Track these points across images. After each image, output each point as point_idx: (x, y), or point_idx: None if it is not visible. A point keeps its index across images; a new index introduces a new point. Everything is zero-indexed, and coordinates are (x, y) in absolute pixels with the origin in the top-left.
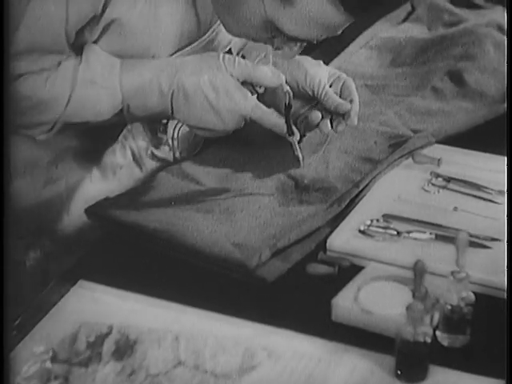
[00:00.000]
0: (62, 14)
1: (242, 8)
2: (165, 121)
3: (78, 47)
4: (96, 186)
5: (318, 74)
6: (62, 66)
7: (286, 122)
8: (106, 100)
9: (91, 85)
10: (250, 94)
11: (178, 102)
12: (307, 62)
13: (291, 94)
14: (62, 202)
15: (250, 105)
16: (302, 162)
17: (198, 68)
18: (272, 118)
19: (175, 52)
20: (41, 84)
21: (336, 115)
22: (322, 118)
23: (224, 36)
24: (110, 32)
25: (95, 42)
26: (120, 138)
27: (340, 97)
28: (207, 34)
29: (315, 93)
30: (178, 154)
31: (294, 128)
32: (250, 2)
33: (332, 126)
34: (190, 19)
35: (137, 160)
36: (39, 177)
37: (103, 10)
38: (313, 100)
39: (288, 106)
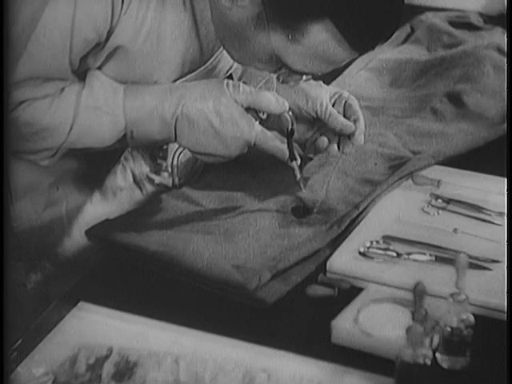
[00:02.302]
0: (66, 43)
1: (249, 42)
2: (165, 146)
3: (81, 73)
4: (97, 208)
5: (320, 96)
6: (65, 91)
7: (288, 147)
8: (108, 126)
9: (94, 111)
10: (254, 121)
11: (182, 128)
12: (308, 84)
13: (294, 119)
14: (62, 224)
15: (254, 131)
16: (303, 187)
17: (203, 94)
18: (275, 144)
19: (178, 79)
20: (44, 110)
21: (342, 136)
22: (329, 142)
23: (225, 62)
24: (113, 58)
25: (99, 67)
26: (121, 159)
27: (344, 116)
28: (210, 61)
29: (319, 115)
30: (177, 181)
31: (295, 153)
32: (257, 37)
33: (339, 149)
34: (193, 47)
35: (137, 182)
36: (40, 199)
37: (107, 38)
38: (317, 122)
39: (290, 132)
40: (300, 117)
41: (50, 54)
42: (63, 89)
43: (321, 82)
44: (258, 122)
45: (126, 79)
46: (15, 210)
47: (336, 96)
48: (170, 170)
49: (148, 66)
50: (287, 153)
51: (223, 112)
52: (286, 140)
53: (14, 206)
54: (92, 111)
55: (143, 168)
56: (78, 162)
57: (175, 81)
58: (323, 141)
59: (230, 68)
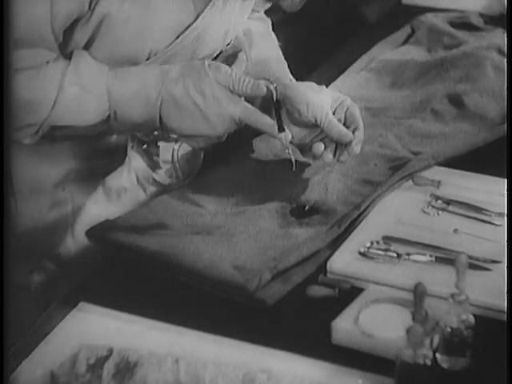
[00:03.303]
0: (46, 8)
1: None
2: (159, 143)
3: (68, 54)
4: (101, 208)
5: (321, 102)
6: (50, 66)
7: (276, 119)
8: (92, 105)
9: (78, 88)
10: (238, 97)
11: (168, 110)
12: (309, 88)
13: (279, 89)
14: (67, 225)
15: (238, 107)
16: (294, 163)
17: (185, 75)
18: (261, 118)
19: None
20: (28, 83)
21: (339, 144)
22: (325, 147)
23: (215, 29)
24: (100, 34)
25: (87, 47)
26: (126, 160)
27: (344, 123)
28: (196, 23)
29: (318, 121)
30: (180, 176)
31: (284, 126)
32: None
33: (334, 156)
34: (186, 8)
35: (141, 183)
36: (45, 200)
37: (92, 8)
38: (317, 127)
39: (276, 103)
40: (300, 122)
41: (31, 21)
42: (48, 62)
43: (323, 87)
44: (242, 98)
45: (116, 57)
46: (18, 211)
47: (338, 102)
48: (170, 166)
49: (139, 36)
50: (275, 125)
51: (205, 90)
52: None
53: (17, 207)
54: (76, 88)
55: (143, 167)
56: (84, 160)
57: (170, 45)
58: (319, 146)
59: (214, 52)
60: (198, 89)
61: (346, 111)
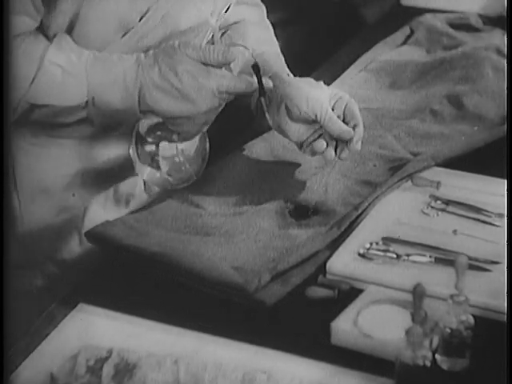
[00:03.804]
0: None
1: None
2: (161, 143)
3: (51, 36)
4: (109, 214)
5: (320, 98)
6: (32, 42)
7: (258, 83)
8: (71, 87)
9: (58, 68)
10: (212, 68)
11: (149, 94)
12: (308, 84)
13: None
14: (76, 230)
15: (212, 77)
16: (268, 118)
17: (159, 58)
18: (241, 84)
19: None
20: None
21: (340, 141)
22: (327, 145)
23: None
24: (81, 19)
25: (69, 33)
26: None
27: (343, 120)
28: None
29: (318, 118)
30: (193, 173)
31: (265, 89)
32: None
33: (336, 153)
34: None
35: (148, 189)
36: (51, 203)
37: None
38: (316, 123)
39: (255, 67)
40: (299, 118)
41: None
42: (30, 34)
43: (321, 83)
44: (218, 69)
45: (92, 40)
46: (22, 212)
47: (336, 98)
48: (175, 163)
49: (110, 18)
50: (255, 87)
51: (178, 69)
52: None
53: (21, 208)
54: (56, 68)
55: (148, 171)
56: (89, 164)
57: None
58: (321, 144)
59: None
60: (172, 68)
61: (345, 107)
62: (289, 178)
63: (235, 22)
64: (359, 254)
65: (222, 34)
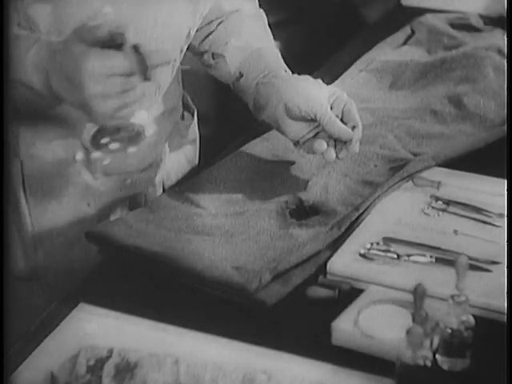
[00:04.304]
0: None
1: None
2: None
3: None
4: None
5: (320, 97)
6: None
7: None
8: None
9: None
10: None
11: (55, 79)
12: (307, 83)
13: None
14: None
15: (87, 54)
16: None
17: (61, 46)
18: (110, 57)
19: None
20: None
21: (338, 141)
22: (327, 145)
23: None
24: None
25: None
26: None
27: (341, 119)
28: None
29: (317, 118)
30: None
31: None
32: None
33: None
34: None
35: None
36: (63, 211)
37: None
38: (314, 121)
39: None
40: (300, 117)
41: None
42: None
43: (319, 80)
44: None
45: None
46: (32, 215)
47: (334, 96)
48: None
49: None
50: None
51: (66, 52)
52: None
53: (30, 212)
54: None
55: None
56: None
57: None
58: (321, 144)
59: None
60: (63, 52)
61: (344, 107)
62: (289, 178)
63: (231, 12)
64: (360, 254)
65: (218, 25)
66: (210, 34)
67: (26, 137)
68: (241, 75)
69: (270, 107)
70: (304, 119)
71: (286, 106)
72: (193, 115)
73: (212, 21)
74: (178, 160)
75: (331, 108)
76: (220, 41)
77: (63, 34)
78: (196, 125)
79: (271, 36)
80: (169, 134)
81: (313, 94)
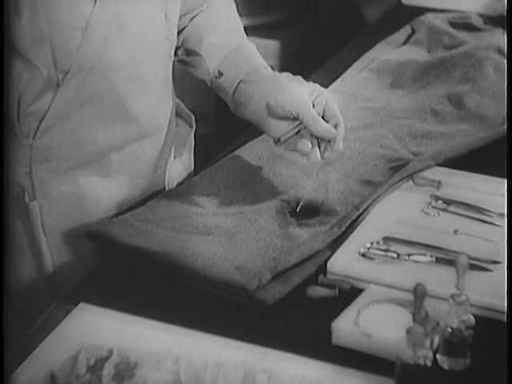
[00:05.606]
0: None
1: None
2: None
3: None
4: None
5: (303, 96)
6: None
7: None
8: None
9: None
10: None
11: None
12: (289, 81)
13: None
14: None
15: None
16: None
17: None
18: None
19: None
20: None
21: (322, 140)
22: (313, 145)
23: None
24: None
25: None
26: None
27: (323, 117)
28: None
29: (300, 117)
30: None
31: None
32: None
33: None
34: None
35: None
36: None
37: None
38: (296, 119)
39: None
40: (280, 115)
41: None
42: None
43: (300, 77)
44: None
45: None
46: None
47: (316, 94)
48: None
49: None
50: None
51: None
52: None
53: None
54: None
55: None
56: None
57: None
58: (306, 145)
59: None
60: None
61: (325, 104)
62: (289, 178)
63: (202, 4)
64: (360, 254)
65: (191, 19)
66: (184, 29)
67: None
68: (220, 74)
69: (252, 106)
70: (286, 118)
71: (269, 105)
72: (190, 125)
73: (184, 15)
74: (177, 168)
75: (313, 106)
76: (194, 37)
77: None
78: (193, 133)
79: (242, 24)
80: (173, 141)
81: (295, 92)
